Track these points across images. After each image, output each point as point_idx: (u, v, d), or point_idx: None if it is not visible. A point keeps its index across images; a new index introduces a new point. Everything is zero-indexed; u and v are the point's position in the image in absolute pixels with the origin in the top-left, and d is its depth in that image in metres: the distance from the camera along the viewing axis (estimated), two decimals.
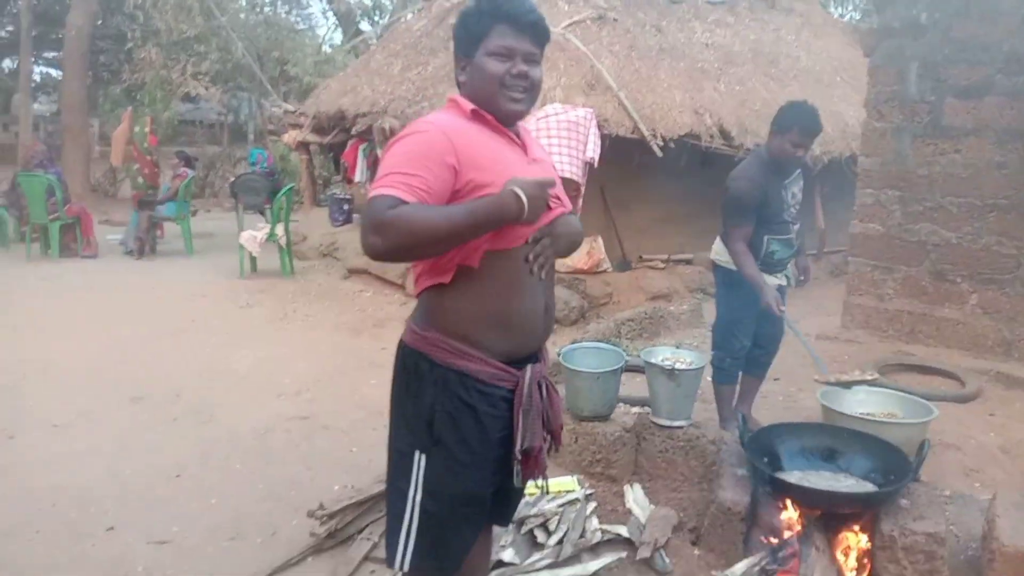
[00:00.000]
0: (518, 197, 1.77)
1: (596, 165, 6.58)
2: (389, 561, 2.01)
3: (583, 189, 6.59)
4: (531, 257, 1.93)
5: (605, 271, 7.83)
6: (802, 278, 4.20)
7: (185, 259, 10.00)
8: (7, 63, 21.49)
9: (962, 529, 3.16)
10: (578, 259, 7.58)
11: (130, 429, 4.47)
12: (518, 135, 2.03)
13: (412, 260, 1.86)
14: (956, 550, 3.05)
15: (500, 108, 1.94)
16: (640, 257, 8.42)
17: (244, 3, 18.55)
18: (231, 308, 7.48)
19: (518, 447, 1.98)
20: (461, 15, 1.99)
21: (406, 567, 1.99)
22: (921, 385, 4.74)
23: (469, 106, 1.93)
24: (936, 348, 5.28)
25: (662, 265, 8.31)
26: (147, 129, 10.71)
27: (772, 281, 3.84)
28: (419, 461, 1.95)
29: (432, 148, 1.80)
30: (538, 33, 1.96)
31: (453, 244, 1.79)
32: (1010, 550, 2.64)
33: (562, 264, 7.34)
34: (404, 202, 1.72)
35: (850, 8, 18.08)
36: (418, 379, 1.95)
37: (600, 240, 7.86)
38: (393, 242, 1.70)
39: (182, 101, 19.07)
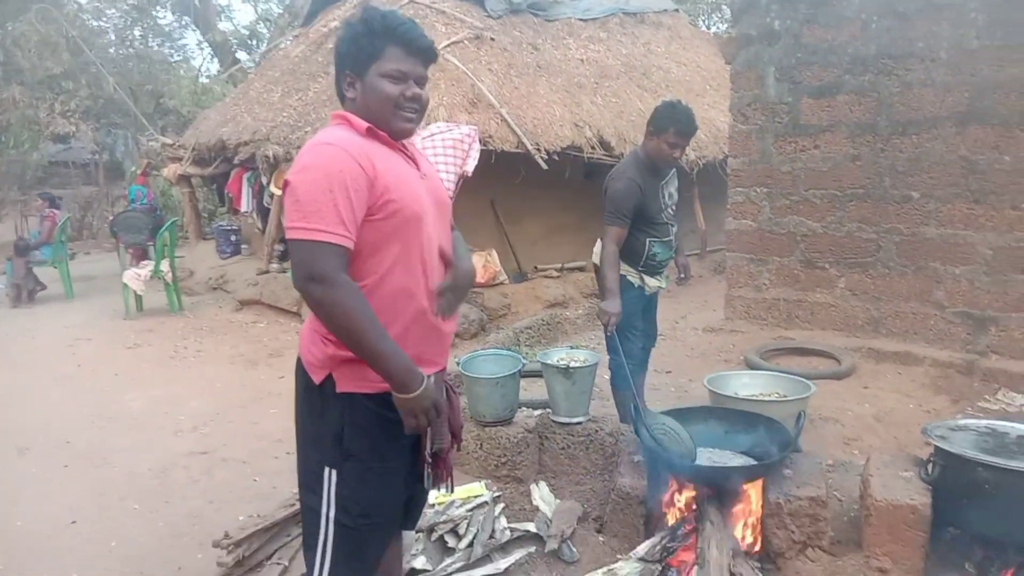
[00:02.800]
0: (424, 393, 1.84)
1: (470, 175, 6.71)
2: None
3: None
4: (438, 311, 2.00)
5: (502, 283, 7.96)
6: (682, 275, 4.32)
7: (66, 303, 9.56)
8: None
9: (844, 493, 3.39)
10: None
11: (18, 480, 4.27)
12: (407, 150, 2.07)
13: (324, 322, 1.85)
14: (839, 512, 3.27)
15: (393, 127, 1.98)
16: (535, 267, 8.62)
17: (113, 37, 17.97)
18: (119, 349, 7.20)
19: (428, 450, 2.03)
20: (350, 32, 1.99)
21: None
22: (801, 366, 5.04)
23: (363, 124, 1.95)
24: (812, 331, 5.61)
25: (556, 274, 8.52)
26: None
27: (654, 284, 3.96)
28: (329, 477, 1.96)
29: (345, 174, 1.81)
30: (428, 56, 2.02)
31: (352, 350, 1.84)
32: (882, 504, 2.86)
33: None
34: (342, 248, 1.78)
35: (715, 19, 18.97)
36: (321, 396, 1.96)
37: (495, 253, 8.00)
38: (325, 304, 1.77)
39: (52, 141, 18.19)
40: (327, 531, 1.98)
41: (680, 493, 3.17)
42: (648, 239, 3.82)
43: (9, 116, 14.56)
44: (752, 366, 4.91)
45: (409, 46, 1.96)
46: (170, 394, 5.76)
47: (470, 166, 6.76)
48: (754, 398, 3.95)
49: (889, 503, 2.85)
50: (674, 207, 3.97)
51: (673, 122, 3.64)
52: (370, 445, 1.95)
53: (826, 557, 2.94)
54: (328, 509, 1.97)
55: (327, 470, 1.96)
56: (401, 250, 1.90)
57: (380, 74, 1.94)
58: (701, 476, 3.08)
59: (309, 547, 2.03)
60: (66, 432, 5.00)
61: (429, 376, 1.88)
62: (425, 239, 1.95)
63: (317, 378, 1.94)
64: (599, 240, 4.03)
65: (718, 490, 3.09)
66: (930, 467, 2.93)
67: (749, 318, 6.01)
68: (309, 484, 2.01)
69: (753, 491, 3.06)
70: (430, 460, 2.05)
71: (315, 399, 1.97)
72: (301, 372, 2.02)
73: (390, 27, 1.94)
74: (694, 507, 3.12)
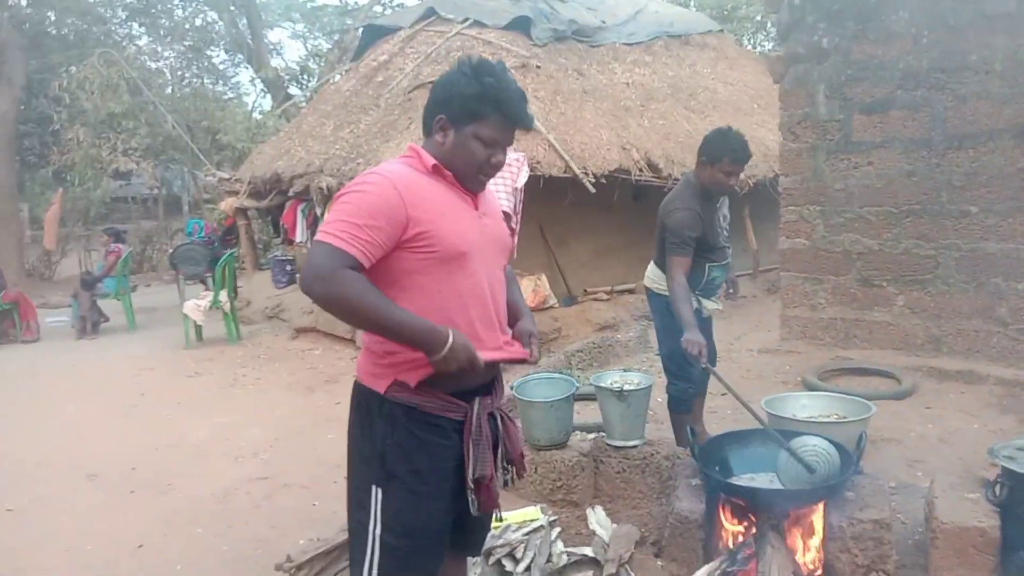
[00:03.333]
0: (447, 343, 1.87)
1: (521, 192, 6.83)
2: None
3: (518, 223, 6.81)
4: (533, 358, 2.18)
5: (552, 307, 7.98)
6: (731, 291, 4.28)
7: (128, 335, 9.84)
8: None
9: (908, 516, 3.33)
10: (524, 298, 7.72)
11: (88, 508, 4.39)
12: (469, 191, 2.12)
13: (334, 315, 1.90)
14: (904, 536, 3.21)
15: (469, 185, 2.04)
16: (585, 291, 8.62)
17: (170, 77, 18.61)
18: (180, 378, 7.39)
19: (470, 476, 2.04)
20: (461, 82, 2.00)
21: None
22: (860, 386, 4.95)
23: (431, 161, 2.01)
24: (871, 350, 5.52)
25: (606, 296, 8.50)
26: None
27: (711, 306, 3.94)
28: (376, 496, 2.01)
29: (383, 201, 1.87)
30: (525, 128, 2.11)
31: (374, 333, 1.92)
32: (949, 527, 2.80)
33: None
34: (352, 257, 1.82)
35: (761, 38, 18.88)
36: (369, 415, 2.03)
37: (544, 278, 8.03)
38: (329, 298, 1.82)
39: (113, 178, 18.86)
40: (373, 548, 2.02)
41: (739, 516, 3.14)
42: (708, 264, 3.81)
43: (74, 155, 15.15)
44: (810, 387, 4.84)
45: (512, 119, 2.02)
46: (230, 421, 5.89)
47: (521, 181, 6.87)
48: (813, 420, 3.90)
49: (956, 526, 2.78)
50: (728, 228, 3.96)
51: (727, 151, 3.60)
52: (411, 467, 2.00)
53: None
54: (375, 527, 2.01)
55: (374, 488, 2.01)
56: (440, 283, 1.96)
57: (476, 135, 1.99)
58: (760, 499, 3.05)
59: (356, 563, 2.08)
60: (132, 459, 5.13)
61: (450, 333, 1.89)
62: (469, 275, 2.01)
63: (380, 387, 2.00)
64: (651, 262, 4.05)
65: (779, 513, 3.05)
66: (997, 488, 2.85)
67: (806, 338, 5.93)
68: (359, 501, 2.06)
69: (815, 514, 3.02)
70: (472, 486, 2.06)
71: (364, 417, 2.04)
72: (355, 391, 2.09)
73: (501, 99, 1.98)
74: (754, 531, 3.09)
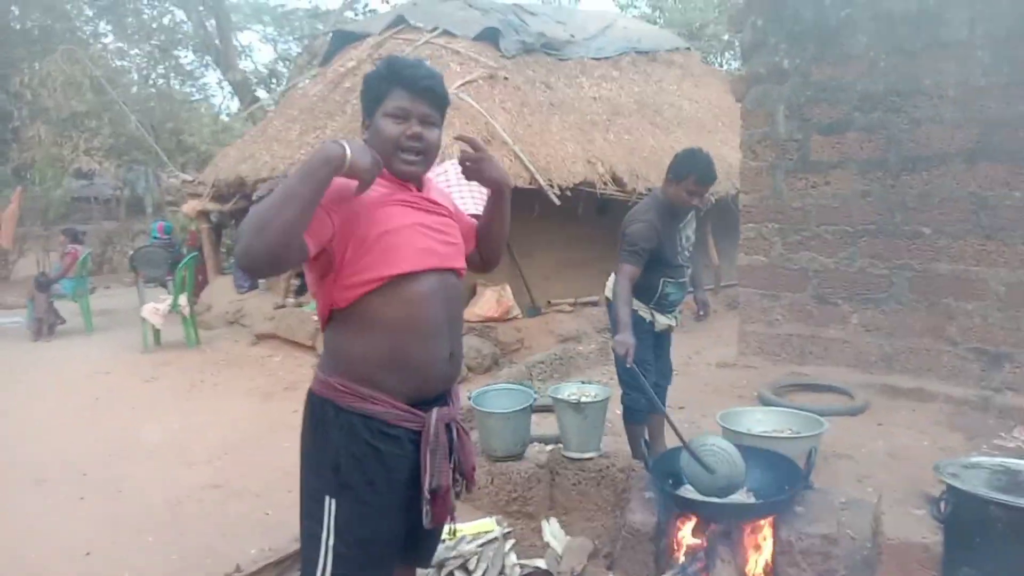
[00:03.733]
0: (341, 146, 1.82)
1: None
2: None
3: None
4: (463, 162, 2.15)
5: (515, 318, 8.00)
6: (701, 312, 4.32)
7: (85, 337, 9.67)
8: None
9: (857, 531, 3.36)
10: (488, 308, 7.73)
11: (34, 513, 4.31)
12: (420, 187, 2.12)
13: (277, 247, 1.76)
14: (853, 551, 3.24)
15: (395, 168, 2.02)
16: (548, 302, 8.65)
17: (136, 77, 18.38)
18: (136, 383, 7.28)
19: (426, 487, 2.03)
20: (365, 78, 2.08)
21: None
22: (814, 402, 5.02)
23: None
24: (826, 367, 5.59)
25: (569, 308, 8.54)
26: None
27: (664, 321, 3.98)
28: (329, 506, 1.99)
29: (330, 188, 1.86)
30: (434, 97, 2.06)
31: (298, 208, 1.76)
32: (894, 542, 2.86)
33: (472, 314, 7.48)
34: None
35: (728, 57, 19.14)
36: (323, 425, 2.01)
37: (508, 288, 8.05)
38: (251, 233, 1.73)
39: (75, 178, 18.53)
40: (326, 559, 2.00)
41: (689, 529, 3.17)
42: (662, 279, 3.85)
43: (34, 153, 14.87)
44: (765, 402, 4.90)
45: (412, 86, 2.01)
46: (186, 426, 5.82)
47: (473, 208, 6.88)
48: (766, 435, 3.96)
49: (901, 541, 2.84)
50: (690, 249, 4.00)
51: (693, 170, 3.66)
52: (365, 477, 1.98)
53: None
54: (327, 537, 1.99)
55: (327, 499, 1.99)
56: (383, 282, 1.95)
57: (384, 114, 2.01)
58: (711, 512, 3.08)
59: (307, 573, 2.05)
60: (83, 464, 5.05)
61: (339, 139, 1.85)
62: (412, 273, 2.00)
63: (321, 407, 2.01)
64: (612, 274, 4.07)
65: (729, 527, 3.09)
66: (942, 505, 2.92)
67: (763, 353, 6.00)
68: (311, 511, 2.04)
69: (764, 529, 3.06)
70: (428, 497, 2.04)
71: (317, 427, 2.02)
72: (308, 400, 2.08)
73: (395, 69, 2.02)
74: (704, 544, 3.12)
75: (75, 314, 10.11)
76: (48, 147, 14.78)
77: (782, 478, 3.23)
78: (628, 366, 3.54)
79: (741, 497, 3.20)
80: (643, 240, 3.69)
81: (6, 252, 15.05)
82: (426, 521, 2.07)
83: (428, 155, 2.07)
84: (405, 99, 2.01)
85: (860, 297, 5.47)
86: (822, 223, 5.60)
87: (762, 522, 3.05)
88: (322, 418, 2.02)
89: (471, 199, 6.56)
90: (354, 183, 1.89)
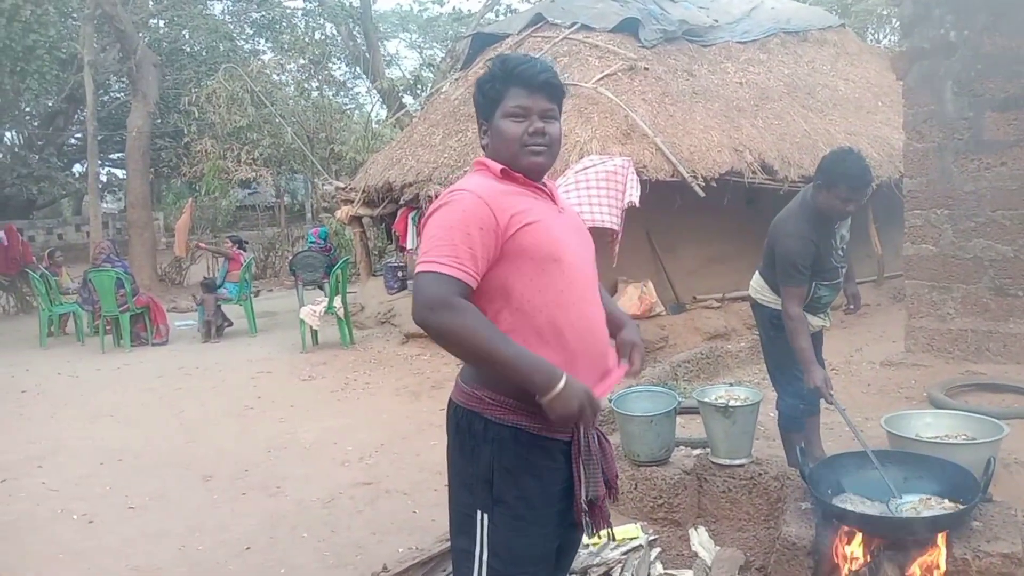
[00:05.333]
0: (568, 388, 1.78)
1: (638, 205, 6.68)
2: None
3: (620, 235, 6.69)
4: (632, 373, 2.14)
5: (659, 315, 7.81)
6: (851, 306, 4.03)
7: (250, 339, 10.28)
8: (77, 168, 22.76)
9: None
10: (630, 305, 7.59)
11: (201, 507, 4.58)
12: (545, 187, 2.08)
13: (449, 349, 1.81)
14: None
15: (523, 165, 1.97)
16: (694, 298, 8.39)
17: (293, 90, 19.43)
18: (294, 382, 7.65)
19: (583, 498, 1.97)
20: (478, 82, 2.05)
21: None
22: (992, 404, 4.59)
23: (498, 167, 1.98)
24: (1005, 365, 5.11)
25: (717, 304, 8.26)
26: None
27: (816, 323, 3.72)
28: (482, 521, 1.94)
29: (472, 215, 1.83)
30: (551, 90, 2.00)
31: (484, 365, 1.84)
32: None
33: None
34: (459, 282, 1.78)
35: (884, 32, 17.94)
36: (472, 438, 1.94)
37: (651, 285, 7.87)
38: (443, 329, 1.75)
39: (240, 187, 19.82)
40: (480, 574, 1.95)
41: (851, 544, 2.94)
42: (816, 283, 3.58)
43: (203, 166, 16.00)
44: (936, 404, 4.51)
45: (529, 83, 1.96)
46: (339, 425, 6.05)
47: (635, 195, 6.74)
48: (938, 440, 3.63)
49: None
50: (845, 247, 3.68)
51: (844, 177, 3.31)
52: (519, 492, 1.92)
53: None
54: (481, 552, 1.94)
55: (479, 514, 1.94)
56: (539, 287, 1.90)
57: (504, 115, 1.97)
58: (875, 526, 2.85)
59: None
60: (245, 461, 5.34)
61: (567, 379, 1.79)
62: (565, 274, 1.94)
63: (470, 420, 1.94)
64: (756, 272, 3.87)
65: (896, 543, 2.84)
66: None
67: (932, 351, 5.55)
68: (461, 526, 2.00)
69: (936, 545, 2.79)
70: (587, 508, 1.97)
71: (467, 441, 1.95)
72: (453, 413, 2.02)
73: (509, 69, 1.97)
74: (867, 560, 2.89)
75: (240, 316, 10.78)
76: (215, 160, 15.84)
77: (956, 490, 2.94)
78: (831, 402, 3.37)
79: (911, 511, 2.94)
80: (800, 258, 3.43)
81: (180, 260, 16.27)
82: (587, 533, 2.03)
83: (553, 148, 2.02)
84: (523, 96, 1.96)
85: None
86: (998, 208, 5.11)
87: (933, 539, 2.78)
88: (469, 431, 1.95)
89: (607, 211, 6.46)
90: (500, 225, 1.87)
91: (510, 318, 1.89)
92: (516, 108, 1.96)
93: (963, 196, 5.27)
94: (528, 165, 1.98)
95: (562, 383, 1.77)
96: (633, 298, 7.66)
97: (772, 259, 3.63)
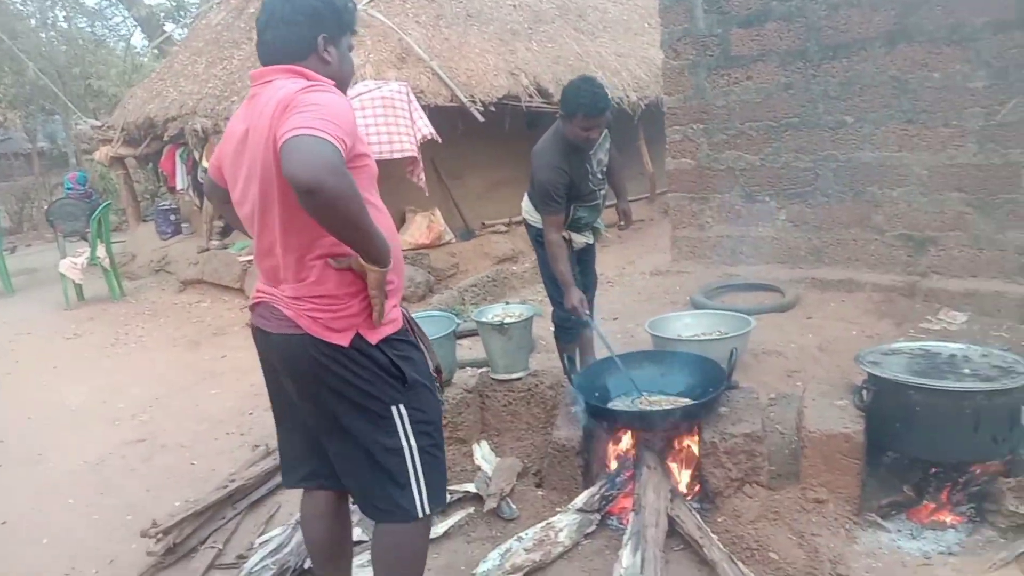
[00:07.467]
0: (387, 270, 1.93)
1: (439, 139, 6.62)
2: (407, 516, 2.07)
3: (419, 161, 6.61)
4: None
5: (448, 242, 7.82)
6: (622, 223, 4.18)
7: (5, 299, 9.25)
8: None
9: (786, 426, 3.37)
10: (418, 234, 7.54)
11: None
12: None
13: (328, 218, 1.74)
14: (781, 445, 3.25)
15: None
16: (483, 224, 8.48)
17: (34, 23, 17.22)
18: (59, 341, 6.99)
19: (433, 367, 2.22)
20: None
21: (427, 510, 2.10)
22: (746, 302, 5.00)
23: (331, 81, 1.99)
24: (756, 266, 5.57)
25: (504, 229, 8.39)
26: None
27: (581, 239, 3.82)
28: (399, 413, 2.03)
29: (349, 114, 1.85)
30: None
31: (355, 235, 1.81)
32: (816, 434, 2.84)
33: (402, 242, 7.28)
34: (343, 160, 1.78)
35: None
36: (360, 352, 1.97)
37: (438, 212, 7.85)
38: (340, 194, 1.68)
39: None
40: (414, 462, 2.06)
41: (618, 440, 3.12)
42: (573, 205, 3.66)
43: None
44: (698, 306, 4.85)
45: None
46: (110, 383, 5.60)
47: (426, 128, 6.59)
48: (694, 339, 3.92)
49: (823, 433, 2.82)
50: (603, 171, 3.76)
51: (580, 107, 3.36)
52: (415, 368, 2.07)
53: (764, 492, 2.91)
54: (408, 441, 2.04)
55: (394, 409, 2.03)
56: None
57: (350, 47, 2.13)
58: (633, 421, 3.03)
59: (401, 485, 2.05)
60: (1, 431, 4.83)
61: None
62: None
63: (345, 340, 1.95)
64: (525, 195, 3.92)
65: (654, 434, 3.04)
66: (864, 394, 2.90)
67: (695, 258, 5.95)
68: (380, 434, 2.03)
69: (689, 432, 3.02)
70: (437, 374, 2.24)
71: (352, 358, 1.96)
72: (317, 349, 1.95)
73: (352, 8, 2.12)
74: (632, 453, 3.08)
75: None
76: None
77: (708, 381, 3.19)
78: (584, 320, 3.48)
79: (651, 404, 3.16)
80: (554, 188, 3.50)
81: None
82: (440, 395, 2.27)
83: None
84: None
85: (787, 192, 5.41)
86: (746, 120, 5.49)
87: (686, 427, 3.01)
88: (351, 350, 1.98)
89: (395, 139, 6.32)
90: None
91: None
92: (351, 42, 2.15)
93: (716, 111, 5.61)
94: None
95: (390, 264, 1.91)
96: (422, 227, 7.62)
97: (534, 185, 3.70)
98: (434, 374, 2.22)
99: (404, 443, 2.04)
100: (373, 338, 1.98)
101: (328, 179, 1.66)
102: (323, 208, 1.69)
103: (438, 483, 2.14)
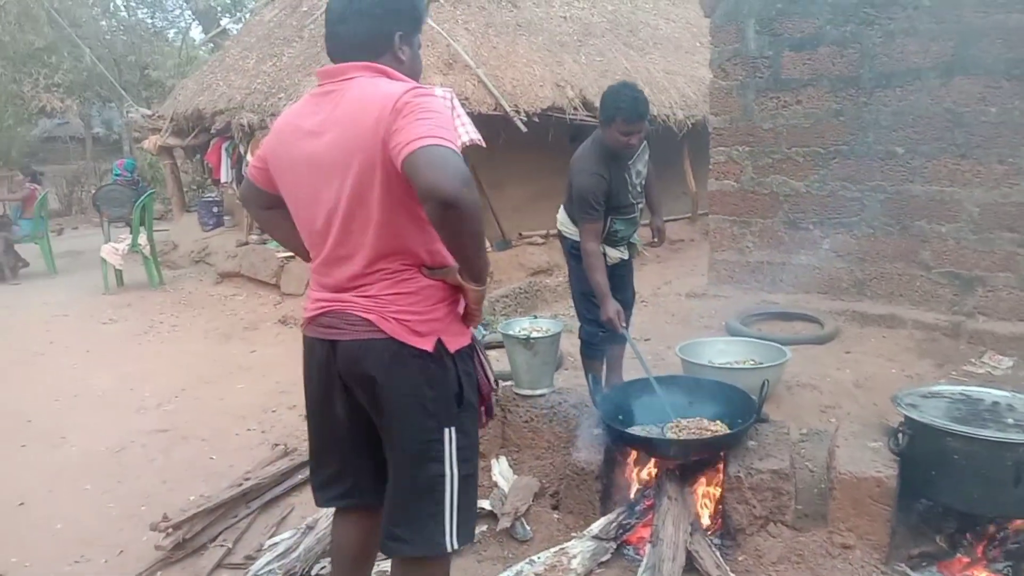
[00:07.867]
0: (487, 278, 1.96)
1: (483, 144, 6.57)
2: (436, 549, 1.97)
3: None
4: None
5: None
6: (655, 240, 4.13)
7: (49, 279, 9.43)
8: None
9: (816, 464, 3.24)
10: None
11: None
12: None
13: (455, 231, 1.73)
14: (811, 484, 3.12)
15: None
16: (520, 234, 8.43)
17: (98, 11, 17.59)
18: (94, 325, 7.08)
19: (492, 381, 2.13)
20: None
21: (456, 544, 1.98)
22: (783, 331, 4.87)
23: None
24: (796, 295, 5.43)
25: (541, 240, 8.33)
26: None
27: (615, 255, 3.77)
28: (450, 436, 1.95)
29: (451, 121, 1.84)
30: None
31: (471, 251, 1.81)
32: (846, 476, 2.72)
33: None
34: None
35: None
36: (439, 361, 1.93)
37: None
38: (476, 205, 1.70)
39: (47, 116, 17.98)
40: (452, 490, 1.96)
41: (640, 468, 3.04)
42: (610, 218, 3.62)
43: None
44: (733, 332, 4.74)
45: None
46: (139, 370, 5.64)
47: (473, 133, 6.55)
48: (726, 366, 3.81)
49: (854, 475, 2.71)
50: (642, 183, 3.72)
51: (618, 111, 3.33)
52: (472, 387, 2.02)
53: (788, 532, 2.80)
54: (452, 468, 1.96)
55: (447, 431, 1.95)
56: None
57: (422, 45, 2.11)
58: (656, 449, 2.94)
59: (436, 521, 1.95)
60: (28, 411, 4.89)
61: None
62: None
63: (428, 345, 1.90)
64: (561, 207, 3.88)
65: (678, 464, 2.95)
66: (899, 437, 2.78)
67: (733, 282, 5.82)
68: (428, 455, 1.94)
69: (714, 465, 2.92)
70: (494, 388, 2.16)
71: (431, 366, 1.92)
72: (396, 352, 1.89)
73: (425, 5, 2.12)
74: (654, 481, 2.99)
75: (38, 256, 9.85)
76: (7, 84, 14.22)
77: (736, 412, 3.09)
78: (620, 332, 3.43)
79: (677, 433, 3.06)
80: (593, 195, 3.46)
81: None
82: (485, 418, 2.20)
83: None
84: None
85: (832, 221, 5.27)
86: (793, 145, 5.36)
87: (712, 458, 2.91)
88: (433, 356, 1.93)
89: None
90: None
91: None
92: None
93: (762, 133, 5.49)
94: None
95: (487, 283, 1.93)
96: None
97: (571, 193, 3.65)
98: (493, 387, 2.14)
99: (448, 470, 1.95)
100: (452, 346, 1.94)
101: (468, 194, 1.66)
102: (456, 221, 1.68)
103: (470, 518, 2.06)
